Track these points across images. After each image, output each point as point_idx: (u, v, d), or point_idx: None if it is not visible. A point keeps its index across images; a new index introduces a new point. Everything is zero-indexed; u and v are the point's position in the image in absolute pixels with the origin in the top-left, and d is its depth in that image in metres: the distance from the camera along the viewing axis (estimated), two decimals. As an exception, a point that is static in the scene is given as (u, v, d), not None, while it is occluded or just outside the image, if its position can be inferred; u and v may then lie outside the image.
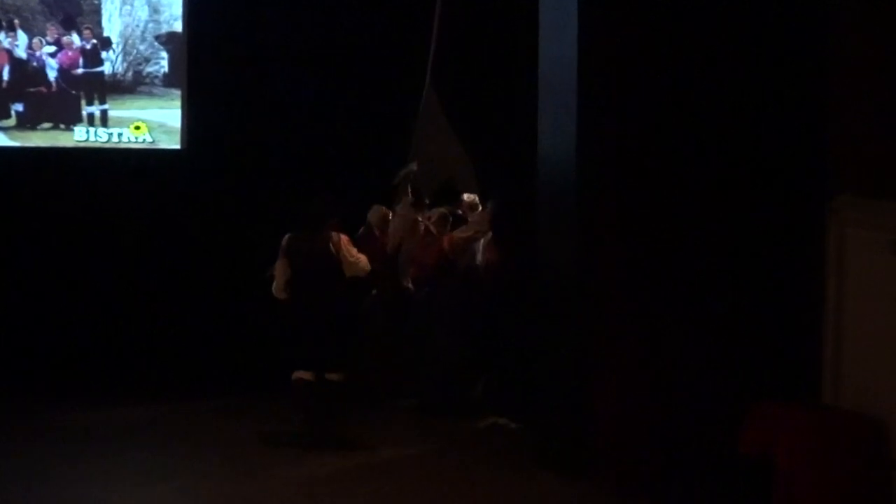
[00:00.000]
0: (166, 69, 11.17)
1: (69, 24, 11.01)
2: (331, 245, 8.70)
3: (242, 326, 10.61)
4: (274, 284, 8.84)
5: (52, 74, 10.97)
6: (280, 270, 8.77)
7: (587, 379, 7.71)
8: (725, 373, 7.58)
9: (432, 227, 9.91)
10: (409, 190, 9.87)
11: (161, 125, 11.12)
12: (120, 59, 11.02)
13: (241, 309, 10.65)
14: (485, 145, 9.70)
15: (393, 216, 10.01)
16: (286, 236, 8.78)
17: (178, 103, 11.13)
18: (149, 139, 11.10)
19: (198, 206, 11.14)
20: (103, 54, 11.03)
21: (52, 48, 11.02)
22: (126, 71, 11.12)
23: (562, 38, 7.81)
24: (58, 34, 11.01)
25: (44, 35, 11.00)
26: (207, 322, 10.83)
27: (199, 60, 11.02)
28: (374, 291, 9.95)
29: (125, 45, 11.04)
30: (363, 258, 8.86)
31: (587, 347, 7.67)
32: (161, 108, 11.12)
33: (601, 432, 7.72)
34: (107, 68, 11.05)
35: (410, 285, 10.05)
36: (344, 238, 8.83)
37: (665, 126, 7.58)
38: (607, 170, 7.61)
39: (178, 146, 11.14)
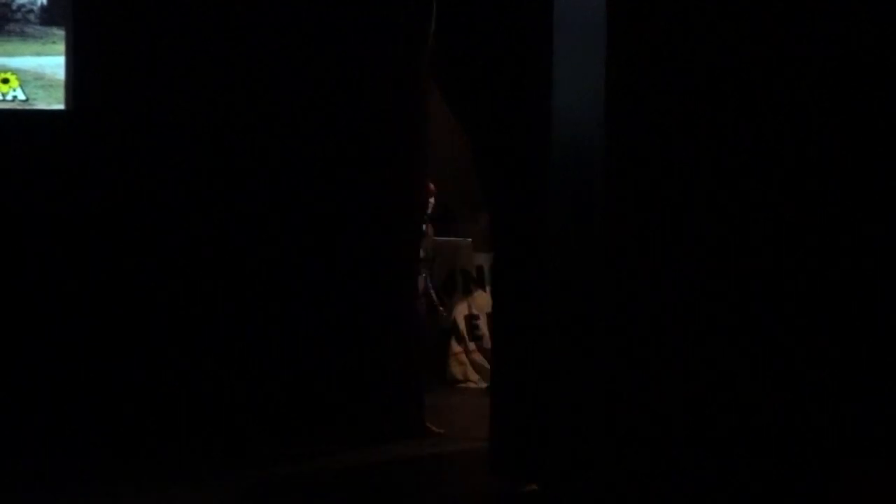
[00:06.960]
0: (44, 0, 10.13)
1: None
2: None
3: (147, 337, 9.66)
4: None
5: None
6: None
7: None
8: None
9: None
10: None
11: (38, 77, 10.15)
12: (-24, -16, 10.02)
13: (144, 315, 9.64)
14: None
15: None
16: None
17: (60, 47, 10.04)
18: (20, 96, 10.00)
19: (87, 187, 9.87)
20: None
21: None
22: (-14, 2, 10.13)
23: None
24: None
25: None
26: (103, 332, 9.71)
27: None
28: None
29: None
30: None
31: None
32: (38, 53, 10.11)
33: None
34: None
35: None
36: None
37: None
38: (648, 139, 6.32)
39: (61, 105, 10.00)
